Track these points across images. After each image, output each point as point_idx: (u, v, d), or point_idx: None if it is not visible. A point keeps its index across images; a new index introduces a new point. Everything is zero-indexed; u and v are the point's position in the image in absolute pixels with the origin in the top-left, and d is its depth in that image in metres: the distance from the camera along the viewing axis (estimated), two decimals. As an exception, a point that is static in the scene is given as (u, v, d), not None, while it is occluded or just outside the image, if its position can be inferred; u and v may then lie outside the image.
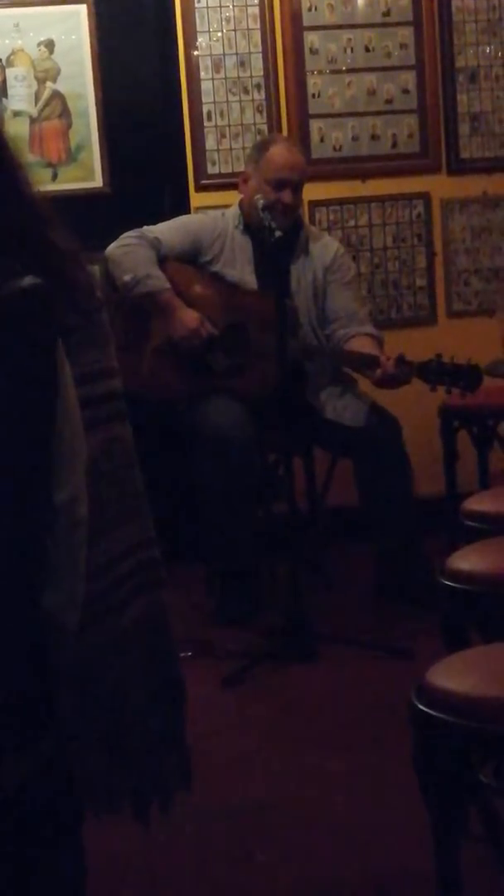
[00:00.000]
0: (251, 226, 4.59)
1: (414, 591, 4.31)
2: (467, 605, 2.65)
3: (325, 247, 4.73)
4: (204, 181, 5.30)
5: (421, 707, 2.10)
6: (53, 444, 1.55)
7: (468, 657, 2.33)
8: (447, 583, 2.67)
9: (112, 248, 4.52)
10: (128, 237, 4.54)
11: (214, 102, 5.33)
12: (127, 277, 4.47)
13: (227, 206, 4.75)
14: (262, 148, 4.65)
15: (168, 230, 4.63)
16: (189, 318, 4.48)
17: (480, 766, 2.06)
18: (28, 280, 1.50)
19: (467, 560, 2.72)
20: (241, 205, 4.66)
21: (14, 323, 1.49)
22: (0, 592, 1.48)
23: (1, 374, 1.46)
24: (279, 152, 4.58)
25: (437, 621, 2.72)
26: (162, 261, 4.56)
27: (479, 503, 3.14)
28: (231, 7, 5.30)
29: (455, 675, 2.15)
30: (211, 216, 4.83)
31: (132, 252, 4.51)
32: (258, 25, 5.32)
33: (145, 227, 4.59)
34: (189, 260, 4.62)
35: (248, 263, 4.61)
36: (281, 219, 4.34)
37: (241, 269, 4.60)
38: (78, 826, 1.61)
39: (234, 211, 4.69)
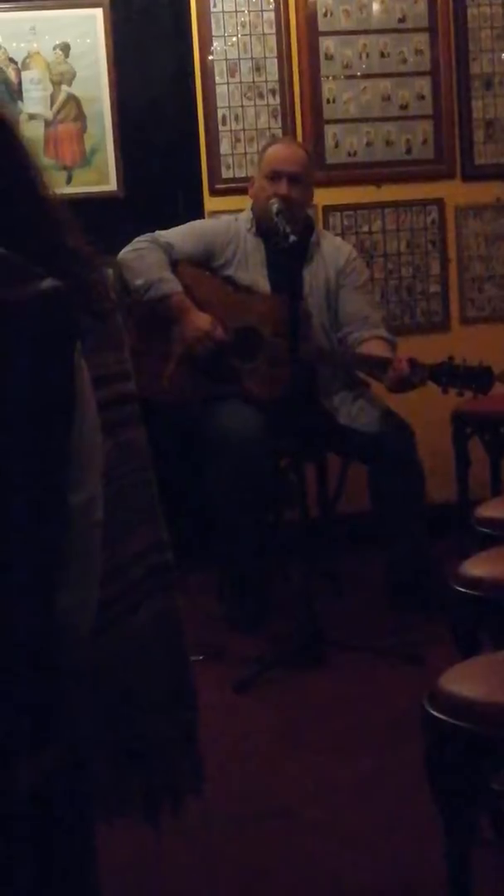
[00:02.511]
0: (263, 229, 4.59)
1: (426, 597, 4.30)
2: (479, 612, 2.65)
3: (338, 250, 4.73)
4: (218, 185, 5.30)
5: (433, 713, 2.10)
6: (71, 446, 1.55)
7: (481, 663, 2.32)
8: (459, 589, 2.67)
9: (124, 253, 4.52)
10: (140, 242, 4.54)
11: (229, 107, 5.34)
12: (139, 282, 4.47)
13: (241, 211, 4.75)
14: (262, 150, 4.71)
15: (180, 234, 4.63)
16: (201, 321, 4.48)
17: (492, 773, 2.06)
18: (48, 283, 1.50)
19: (479, 566, 2.72)
20: (252, 209, 4.67)
21: (34, 326, 1.49)
22: (15, 594, 1.47)
23: (20, 377, 1.46)
24: (275, 149, 4.63)
25: (448, 627, 2.72)
26: (174, 265, 4.56)
27: (491, 510, 3.14)
28: (247, 12, 5.30)
29: (468, 681, 2.14)
30: (224, 220, 4.83)
31: (144, 256, 4.51)
32: (273, 30, 5.32)
33: (157, 232, 4.59)
34: (202, 264, 4.62)
35: (261, 266, 4.61)
36: (288, 214, 4.33)
37: (253, 272, 4.60)
38: (91, 829, 1.61)
39: (246, 215, 4.69)
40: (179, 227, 4.69)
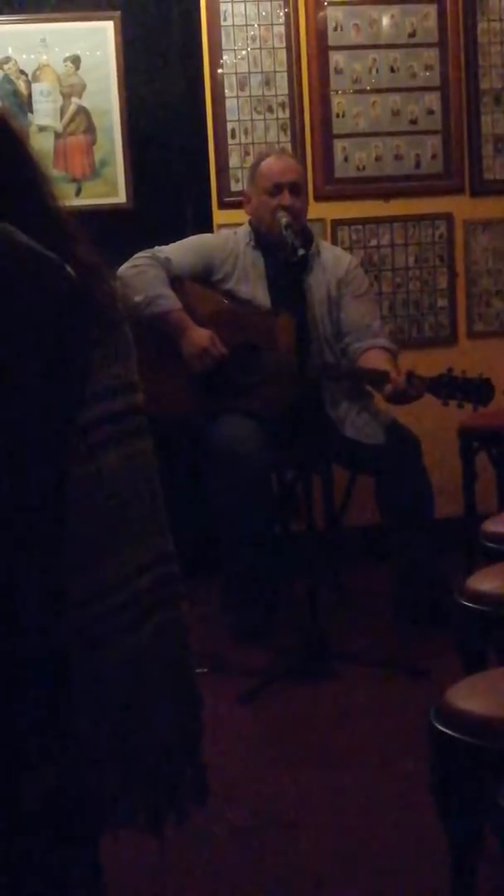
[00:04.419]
0: (263, 243, 4.61)
1: (432, 610, 4.30)
2: (485, 627, 2.65)
3: (338, 259, 4.74)
4: (227, 198, 5.31)
5: (439, 727, 2.10)
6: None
7: (488, 678, 2.32)
8: (466, 604, 2.67)
9: (123, 269, 4.50)
10: (139, 258, 4.54)
11: (239, 120, 5.35)
12: (138, 298, 4.46)
13: (248, 224, 4.76)
14: (254, 165, 4.72)
15: (179, 250, 4.63)
16: (200, 337, 4.48)
17: (498, 788, 2.06)
18: (65, 283, 1.51)
19: (486, 581, 2.72)
20: (251, 223, 4.68)
21: (47, 324, 1.49)
22: (22, 606, 1.48)
23: (32, 370, 1.47)
24: (269, 163, 4.64)
25: (454, 642, 2.72)
26: (174, 281, 4.56)
27: (497, 524, 3.13)
28: (257, 26, 5.32)
29: (474, 696, 2.14)
30: (223, 235, 4.84)
31: (143, 273, 4.51)
32: (284, 44, 5.33)
33: (156, 248, 4.59)
34: (201, 279, 4.63)
35: (261, 280, 4.62)
36: (296, 228, 4.35)
37: (253, 286, 4.61)
38: (96, 841, 1.61)
39: (245, 229, 4.70)
40: (178, 242, 4.69)
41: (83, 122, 5.19)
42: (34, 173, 1.73)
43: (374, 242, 5.48)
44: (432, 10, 5.45)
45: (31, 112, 5.13)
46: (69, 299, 1.52)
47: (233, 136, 5.35)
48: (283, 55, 5.35)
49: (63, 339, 1.50)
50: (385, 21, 5.42)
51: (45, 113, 5.16)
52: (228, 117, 5.34)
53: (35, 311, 1.47)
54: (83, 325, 1.54)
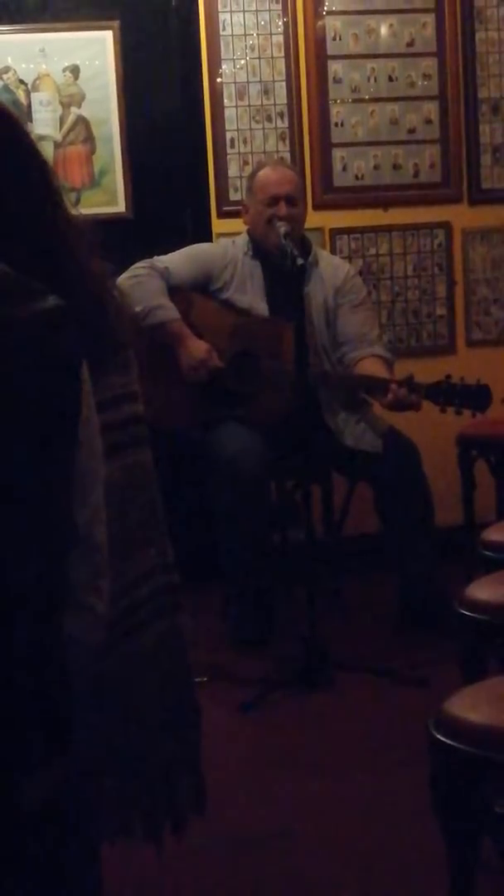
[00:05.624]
0: (262, 252, 4.61)
1: (432, 619, 4.30)
2: (485, 635, 2.65)
3: (336, 269, 4.74)
4: (226, 207, 5.31)
5: (438, 736, 2.10)
6: (75, 465, 1.55)
7: (486, 687, 2.32)
8: (465, 612, 2.67)
9: (122, 279, 4.48)
10: (138, 268, 4.55)
11: (238, 130, 5.35)
12: (137, 308, 4.45)
13: (247, 234, 4.77)
14: (252, 176, 4.73)
15: (178, 260, 4.63)
16: (197, 349, 4.49)
17: (496, 797, 2.06)
18: (50, 302, 1.51)
19: (485, 590, 2.72)
20: (250, 233, 4.69)
21: (34, 345, 1.49)
22: (23, 612, 1.48)
23: (23, 395, 1.47)
24: (265, 174, 4.65)
25: (454, 650, 2.72)
26: (173, 290, 4.56)
27: (497, 533, 3.14)
28: (255, 35, 5.33)
29: (473, 705, 2.14)
30: (221, 244, 4.85)
31: (142, 283, 4.51)
32: (282, 54, 5.34)
33: (155, 258, 4.60)
34: (200, 288, 4.63)
35: (259, 289, 4.62)
36: (295, 238, 4.37)
37: (252, 295, 4.61)
38: (97, 847, 1.61)
39: (243, 238, 4.71)
40: (177, 251, 4.69)
41: (82, 131, 5.20)
42: (48, 182, 1.72)
43: (372, 251, 5.49)
44: (430, 19, 5.46)
45: (31, 122, 5.14)
46: (50, 326, 1.52)
47: (232, 146, 5.36)
48: (281, 64, 5.36)
49: (44, 367, 1.50)
50: (383, 30, 5.43)
51: (44, 122, 5.17)
52: (227, 126, 5.35)
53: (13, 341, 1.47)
54: (69, 354, 1.54)
